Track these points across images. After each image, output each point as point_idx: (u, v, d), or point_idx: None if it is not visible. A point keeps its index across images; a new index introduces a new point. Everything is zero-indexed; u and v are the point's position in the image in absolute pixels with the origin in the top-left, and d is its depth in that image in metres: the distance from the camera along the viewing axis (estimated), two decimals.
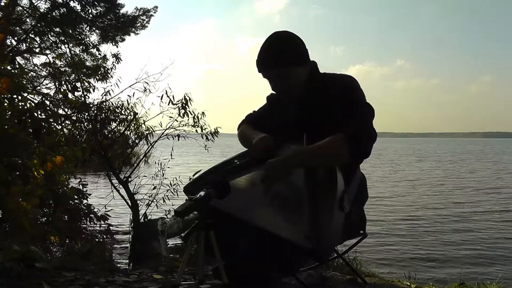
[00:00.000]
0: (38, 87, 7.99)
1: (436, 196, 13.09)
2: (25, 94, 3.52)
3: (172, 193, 5.88)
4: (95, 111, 5.86)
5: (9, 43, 6.33)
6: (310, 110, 1.67)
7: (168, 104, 5.74)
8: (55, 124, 3.97)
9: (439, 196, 13.20)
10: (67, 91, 5.58)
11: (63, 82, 6.12)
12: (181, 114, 5.78)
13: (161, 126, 5.96)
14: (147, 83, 5.76)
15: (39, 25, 7.24)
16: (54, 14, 7.45)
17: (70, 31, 7.94)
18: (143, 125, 6.10)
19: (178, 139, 6.02)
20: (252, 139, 1.70)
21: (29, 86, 6.74)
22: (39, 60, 8.83)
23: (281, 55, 1.60)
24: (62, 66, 7.92)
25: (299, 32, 1.65)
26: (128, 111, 6.00)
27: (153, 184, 6.02)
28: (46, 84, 8.41)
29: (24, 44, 7.38)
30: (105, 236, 5.03)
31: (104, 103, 5.90)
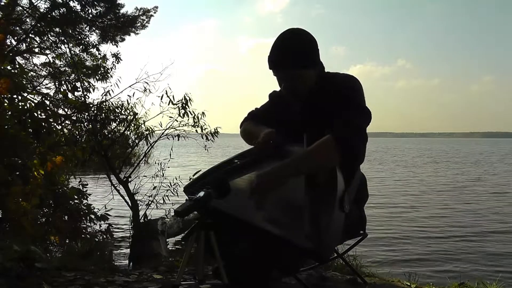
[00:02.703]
0: (38, 87, 7.97)
1: (443, 197, 12.94)
2: (25, 94, 3.53)
3: (172, 193, 5.88)
4: (95, 111, 5.86)
5: (9, 43, 6.32)
6: (312, 110, 1.66)
7: (168, 104, 5.75)
8: (55, 124, 3.97)
9: (446, 197, 13.05)
10: (67, 91, 5.58)
11: (63, 82, 6.13)
12: (181, 114, 5.79)
13: (161, 126, 5.97)
14: (147, 83, 5.78)
15: (39, 25, 7.23)
16: (54, 14, 7.45)
17: (70, 31, 7.94)
18: (143, 125, 6.10)
19: (178, 139, 6.02)
20: (257, 134, 1.68)
21: (29, 86, 6.74)
22: (39, 60, 8.82)
23: (298, 57, 1.57)
24: (62, 66, 7.93)
25: None
26: (128, 111, 6.01)
27: (153, 184, 6.02)
28: (46, 84, 8.40)
29: (24, 44, 7.37)
30: (105, 236, 5.03)
31: (104, 103, 5.91)
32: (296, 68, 1.59)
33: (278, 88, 1.74)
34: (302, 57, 1.58)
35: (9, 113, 3.22)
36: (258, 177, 1.45)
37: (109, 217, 4.84)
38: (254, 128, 1.79)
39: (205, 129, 5.97)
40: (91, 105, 5.86)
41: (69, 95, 5.51)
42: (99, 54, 8.36)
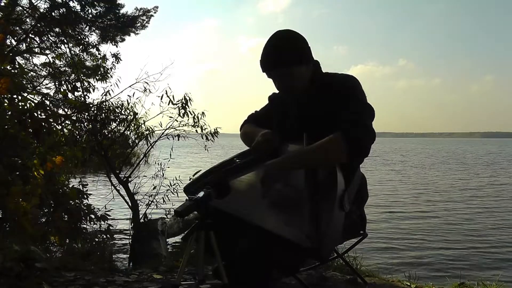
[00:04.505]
0: (38, 87, 7.98)
1: (445, 198, 12.90)
2: (25, 94, 3.52)
3: (172, 193, 5.89)
4: (95, 111, 5.87)
5: (9, 43, 6.32)
6: (311, 110, 1.67)
7: (168, 104, 5.77)
8: (55, 124, 3.97)
9: (448, 197, 12.99)
10: (67, 91, 5.58)
11: (63, 82, 6.12)
12: (181, 114, 5.80)
13: (161, 126, 5.98)
14: (147, 83, 5.79)
15: (39, 25, 7.23)
16: (54, 14, 7.45)
17: (70, 31, 7.94)
18: (143, 125, 6.11)
19: (178, 139, 6.04)
20: (255, 135, 1.69)
21: (29, 86, 6.74)
22: (39, 60, 8.83)
23: (284, 54, 1.59)
24: (62, 66, 7.93)
25: (302, 32, 1.65)
26: (128, 111, 6.02)
27: (153, 184, 6.03)
28: (46, 84, 8.41)
29: (24, 44, 7.37)
30: (105, 236, 5.02)
31: (104, 103, 5.92)
32: (286, 66, 1.60)
33: (277, 90, 1.75)
34: (290, 54, 1.59)
35: (9, 113, 3.22)
36: (266, 166, 1.48)
37: (109, 217, 4.84)
38: (252, 129, 1.80)
39: (205, 129, 5.99)
40: (91, 105, 5.87)
41: (69, 95, 5.52)
42: (99, 54, 8.36)
